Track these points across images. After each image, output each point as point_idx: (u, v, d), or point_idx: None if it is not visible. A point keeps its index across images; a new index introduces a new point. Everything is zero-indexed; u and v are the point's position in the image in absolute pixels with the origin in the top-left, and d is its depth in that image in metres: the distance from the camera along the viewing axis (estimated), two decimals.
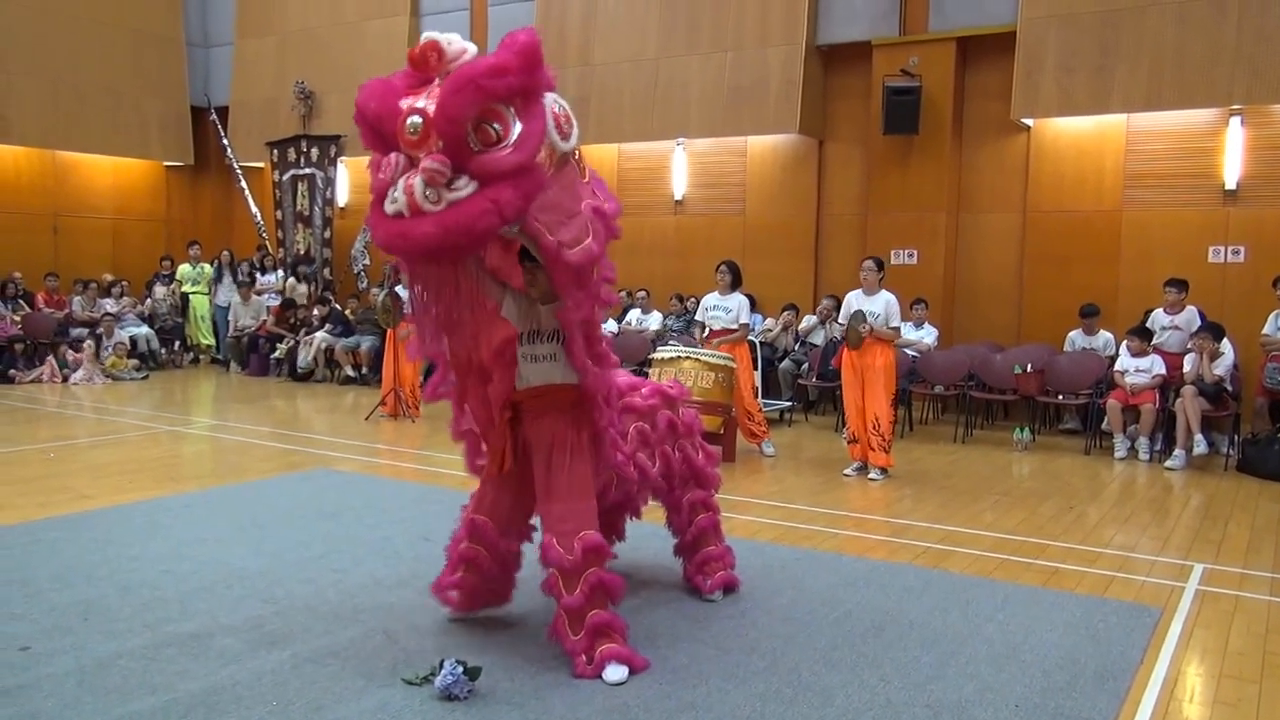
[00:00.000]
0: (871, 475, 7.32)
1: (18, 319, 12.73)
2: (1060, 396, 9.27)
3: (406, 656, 3.69)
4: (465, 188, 3.20)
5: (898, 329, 7.41)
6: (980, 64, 10.62)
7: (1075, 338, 9.58)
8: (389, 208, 3.30)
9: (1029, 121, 10.32)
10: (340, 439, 8.65)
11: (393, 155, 3.30)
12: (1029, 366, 9.07)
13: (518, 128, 3.27)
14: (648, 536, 5.11)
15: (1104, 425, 8.66)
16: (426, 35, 3.39)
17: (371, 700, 3.33)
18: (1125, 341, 8.70)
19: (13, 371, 12.11)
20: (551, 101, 3.37)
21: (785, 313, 10.99)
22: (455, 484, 7.03)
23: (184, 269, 14.73)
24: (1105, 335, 9.48)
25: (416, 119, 3.23)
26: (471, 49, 3.40)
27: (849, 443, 7.51)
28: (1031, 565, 5.18)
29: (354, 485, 6.83)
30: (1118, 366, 8.63)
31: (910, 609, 4.37)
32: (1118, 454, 8.37)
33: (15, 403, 10.57)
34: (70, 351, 12.49)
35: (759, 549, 5.33)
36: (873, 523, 6.10)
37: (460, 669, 3.37)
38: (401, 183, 3.25)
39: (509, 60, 3.21)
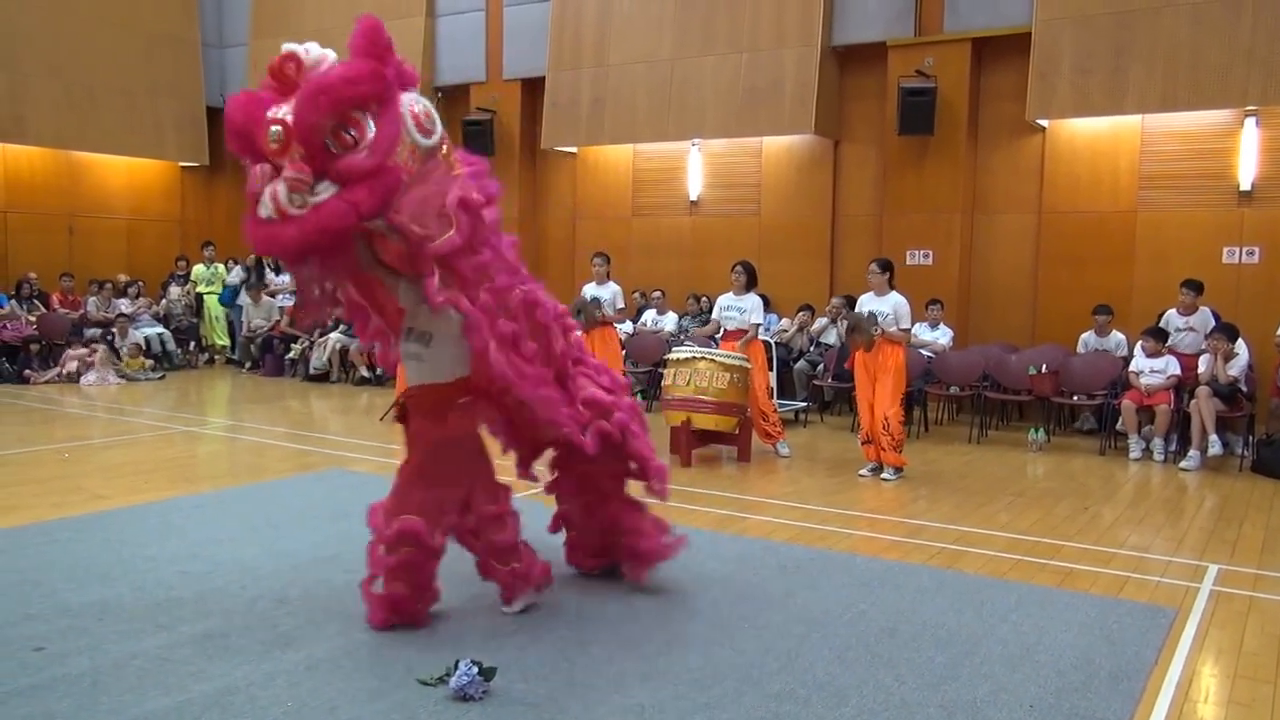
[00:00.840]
0: (885, 475, 7.30)
1: (33, 319, 12.81)
2: (1075, 397, 9.22)
3: (421, 657, 3.70)
4: (325, 192, 3.46)
5: (908, 330, 7.39)
6: (995, 65, 10.58)
7: (1087, 339, 9.53)
8: (261, 213, 3.54)
9: (1044, 122, 10.27)
10: (354, 439, 8.68)
11: (259, 167, 3.56)
12: (1044, 367, 9.03)
13: (371, 131, 3.50)
14: None
15: (1119, 426, 8.62)
16: (286, 46, 3.63)
17: (386, 701, 3.34)
18: (1140, 342, 8.65)
19: (28, 372, 12.19)
20: (411, 101, 3.61)
21: (800, 313, 10.97)
22: None
23: (198, 269, 14.80)
24: (1117, 336, 9.43)
25: (277, 129, 3.48)
26: (330, 57, 3.62)
27: (863, 443, 7.49)
28: (1046, 566, 5.16)
29: (368, 486, 6.82)
30: (1133, 367, 8.59)
31: (925, 609, 4.35)
32: (1132, 455, 8.33)
33: (31, 403, 10.64)
34: (69, 352, 12.46)
35: (774, 549, 5.32)
36: (887, 523, 6.09)
37: (475, 669, 3.38)
38: (268, 190, 3.50)
39: (359, 69, 3.48)
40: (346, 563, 4.86)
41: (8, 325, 12.50)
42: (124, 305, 13.84)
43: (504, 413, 4.32)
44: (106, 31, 14.80)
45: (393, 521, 3.94)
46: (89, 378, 12.11)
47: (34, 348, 12.56)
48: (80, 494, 6.38)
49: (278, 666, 3.60)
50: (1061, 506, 6.57)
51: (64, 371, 12.19)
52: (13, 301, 12.89)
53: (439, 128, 3.76)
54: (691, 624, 4.14)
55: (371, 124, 3.50)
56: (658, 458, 4.58)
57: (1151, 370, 8.42)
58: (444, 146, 3.78)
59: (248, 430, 9.15)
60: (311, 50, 3.64)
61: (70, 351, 12.34)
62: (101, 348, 12.52)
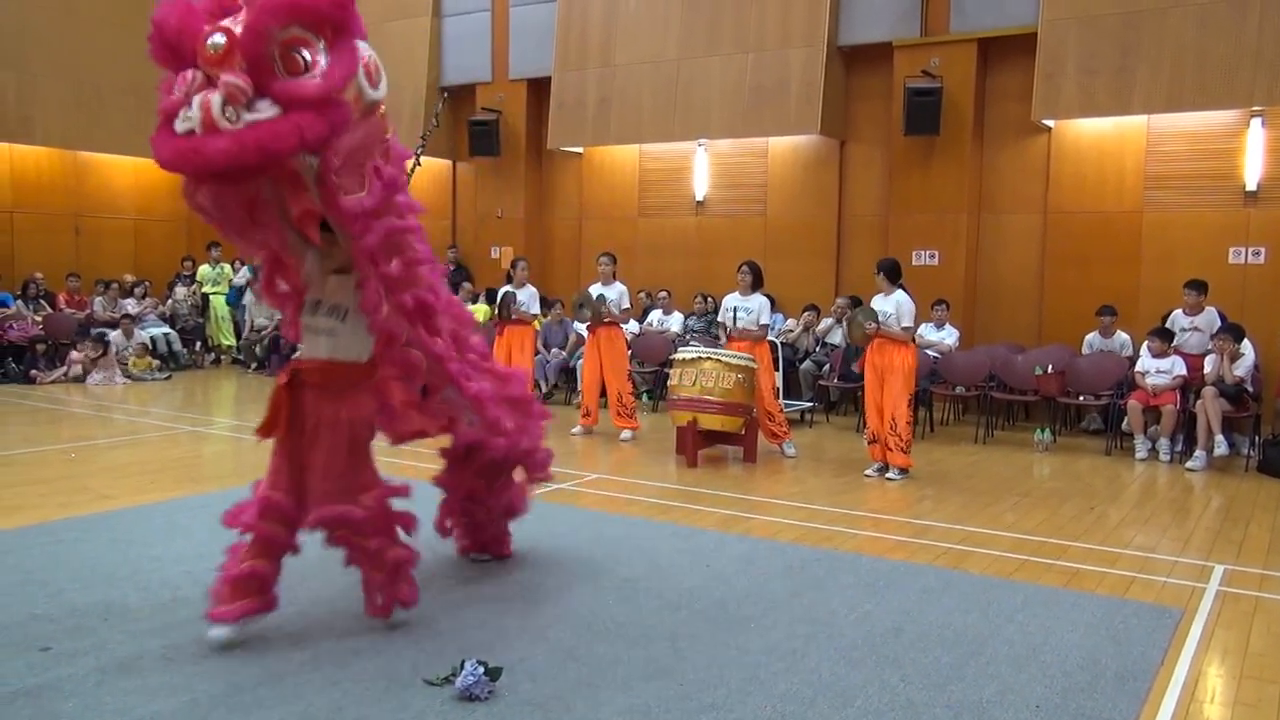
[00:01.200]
0: (890, 475, 7.30)
1: (39, 319, 12.84)
2: (1081, 397, 9.20)
3: (427, 657, 3.70)
4: (266, 110, 3.18)
5: (909, 329, 7.39)
6: (1001, 65, 10.57)
7: (1092, 339, 9.51)
8: (180, 126, 3.22)
9: (1050, 123, 10.26)
10: None
11: (189, 72, 3.24)
12: (1050, 367, 9.01)
13: (324, 60, 3.29)
14: (667, 537, 5.11)
15: (1125, 426, 8.60)
16: None
17: (393, 701, 3.34)
18: (1146, 342, 8.63)
19: (34, 372, 12.22)
20: (364, 49, 3.43)
21: (806, 313, 10.97)
22: None
23: (204, 270, 14.83)
24: (1122, 336, 9.41)
25: (219, 37, 3.18)
26: None
27: (869, 443, 7.49)
28: (1052, 566, 5.15)
29: None
30: (1138, 367, 8.57)
31: (930, 610, 4.35)
32: (1138, 455, 8.31)
33: (37, 403, 10.67)
34: (73, 353, 12.48)
35: (780, 549, 5.32)
36: (893, 524, 6.08)
37: (481, 669, 3.38)
38: (197, 99, 3.17)
39: None
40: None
41: (14, 325, 12.53)
42: (130, 305, 13.87)
43: (404, 398, 4.05)
44: (113, 32, 14.83)
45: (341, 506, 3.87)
46: (95, 377, 12.14)
47: (40, 348, 12.59)
48: (86, 494, 6.40)
49: (284, 666, 3.61)
50: (1067, 507, 6.56)
51: (69, 372, 12.22)
52: (19, 301, 12.93)
53: (384, 84, 3.62)
54: (697, 624, 4.13)
55: (325, 54, 3.31)
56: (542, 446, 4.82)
57: (1157, 370, 8.40)
58: (382, 108, 3.67)
59: (253, 430, 9.15)
60: None
61: (75, 353, 12.36)
62: (113, 347, 12.54)
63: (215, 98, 3.14)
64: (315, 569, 4.76)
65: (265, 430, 3.96)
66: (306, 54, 3.26)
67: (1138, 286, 9.94)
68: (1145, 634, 4.12)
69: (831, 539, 5.62)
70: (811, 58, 11.03)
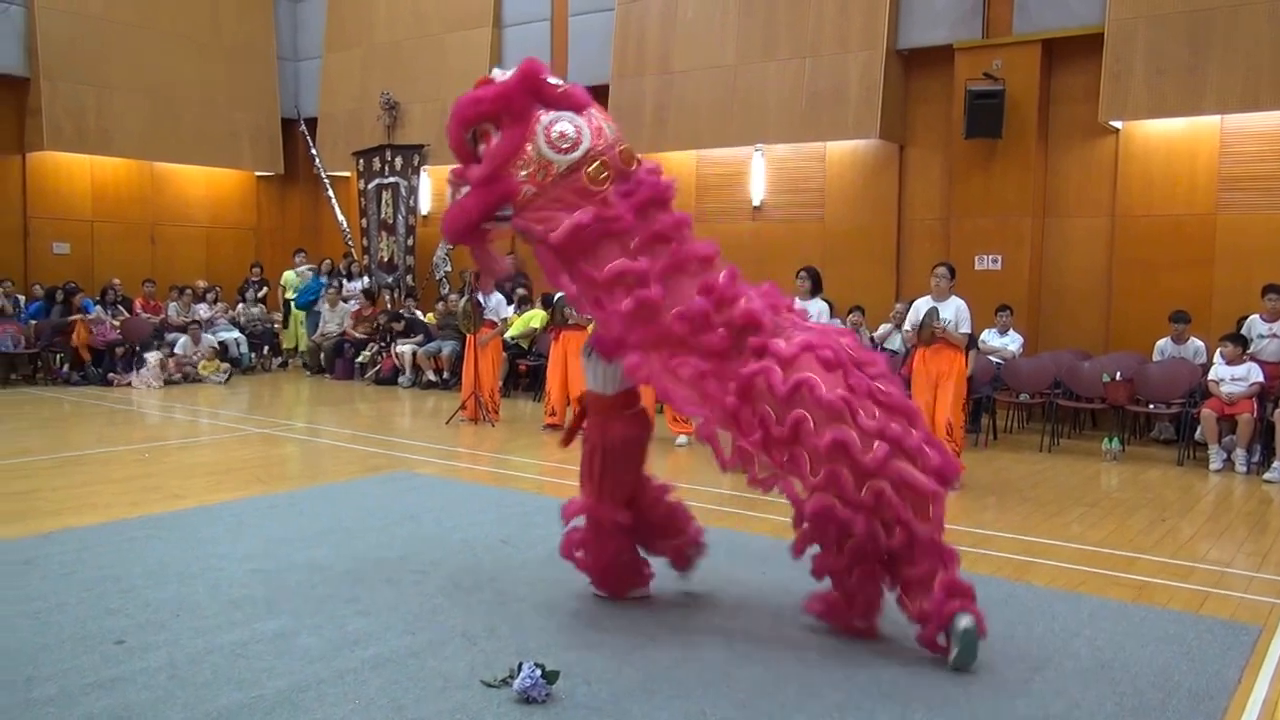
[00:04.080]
0: None
1: (117, 324, 13.27)
2: (1152, 405, 8.97)
3: (485, 658, 3.73)
4: (463, 190, 4.20)
5: (967, 334, 7.29)
6: (1066, 66, 10.36)
7: (1164, 346, 9.25)
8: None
9: (1117, 124, 10.03)
10: (421, 443, 8.81)
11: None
12: (1118, 374, 8.80)
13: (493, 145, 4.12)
14: (722, 543, 5.09)
15: (1198, 435, 8.36)
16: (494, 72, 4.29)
17: (450, 701, 3.38)
18: (1220, 349, 8.39)
19: (111, 375, 12.61)
20: (550, 120, 4.08)
21: (852, 314, 10.82)
22: (532, 487, 7.11)
23: (288, 275, 15.14)
24: (1196, 343, 9.13)
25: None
26: (500, 79, 4.21)
27: None
28: (1120, 579, 5.02)
29: (434, 488, 6.94)
30: (1212, 375, 8.32)
31: (994, 621, 4.24)
32: (1213, 465, 8.07)
33: (114, 405, 11.01)
34: (146, 355, 12.86)
35: None
36: (952, 533, 5.94)
37: (539, 672, 3.40)
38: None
39: (488, 90, 4.12)
40: (414, 563, 4.93)
41: (94, 329, 12.96)
42: (202, 310, 14.25)
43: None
44: (188, 48, 15.34)
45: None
46: (141, 375, 12.46)
47: (118, 351, 13.00)
48: (158, 493, 6.58)
49: (346, 665, 3.67)
50: (1137, 518, 6.39)
51: (142, 374, 12.61)
52: (99, 307, 13.37)
53: (582, 149, 4.07)
54: (755, 631, 4.11)
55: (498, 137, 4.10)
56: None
57: (1232, 378, 8.15)
58: (592, 166, 4.06)
59: (318, 433, 9.35)
60: (496, 75, 4.23)
61: (148, 355, 12.74)
62: (162, 352, 12.86)
63: (448, 186, 4.37)
64: (374, 570, 4.84)
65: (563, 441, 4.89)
66: (483, 144, 4.15)
67: (1210, 291, 9.65)
68: (1220, 651, 3.99)
69: None
70: (870, 61, 10.92)
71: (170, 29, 15.16)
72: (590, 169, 4.08)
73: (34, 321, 12.98)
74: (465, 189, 4.14)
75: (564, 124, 4.09)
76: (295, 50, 17.11)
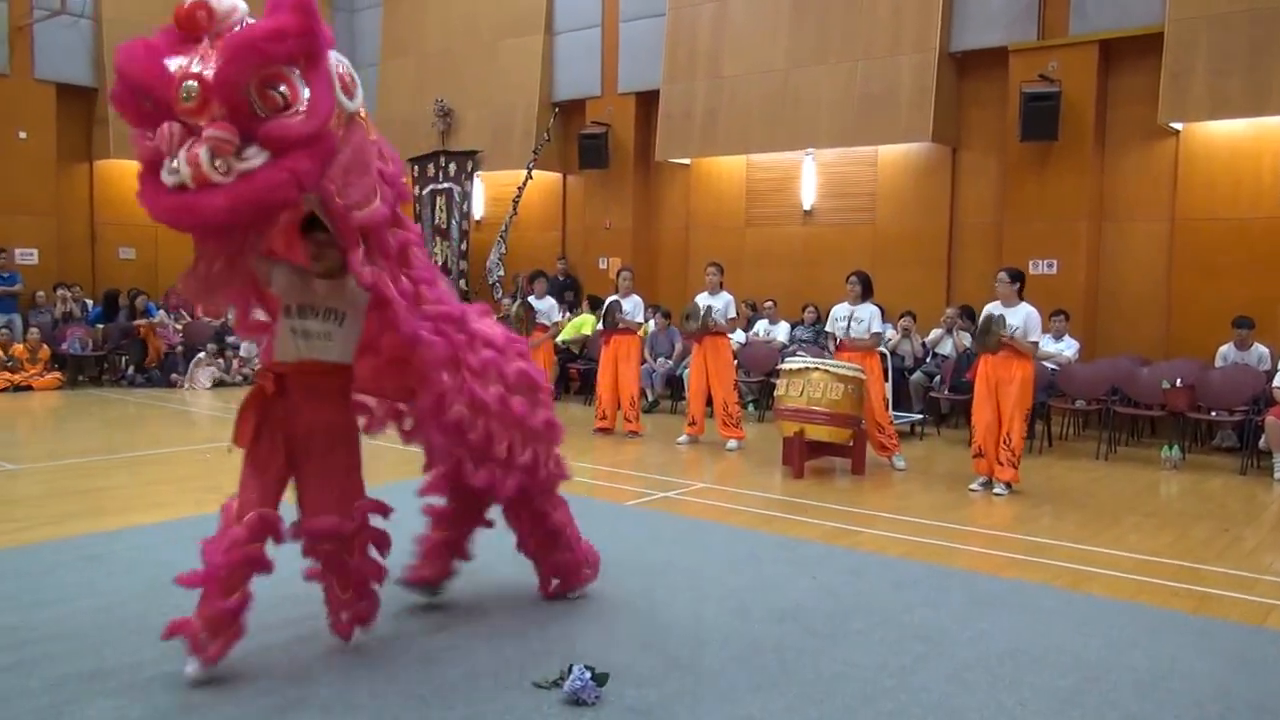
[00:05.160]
0: (996, 490, 7.09)
1: (179, 327, 13.61)
2: (1213, 413, 8.77)
3: (536, 660, 3.77)
4: (255, 157, 3.03)
5: (1036, 343, 7.17)
6: (1124, 67, 10.19)
7: (1226, 352, 9.04)
8: (168, 180, 3.07)
9: (1177, 125, 9.83)
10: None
11: (167, 126, 3.05)
12: (1178, 381, 8.61)
13: (305, 92, 3.13)
14: (772, 548, 5.08)
15: (1262, 444, 8.14)
16: None
17: (501, 701, 3.42)
18: None
19: (174, 376, 12.93)
20: (335, 61, 3.25)
21: (903, 319, 10.73)
22: (583, 491, 7.14)
23: None
24: (1260, 349, 8.90)
25: (192, 84, 2.99)
26: (243, 7, 3.20)
27: (975, 456, 7.29)
28: (1180, 590, 4.92)
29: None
30: (1277, 382, 8.11)
31: (1048, 631, 4.21)
32: (1277, 474, 7.86)
33: (175, 406, 11.29)
34: (199, 356, 13.17)
35: (888, 564, 5.23)
36: (1007, 540, 5.90)
37: (588, 674, 3.43)
38: (183, 153, 3.01)
39: (287, 22, 3.02)
40: (463, 564, 4.99)
41: (158, 332, 13.30)
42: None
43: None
44: None
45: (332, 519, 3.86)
46: (195, 376, 12.82)
47: (180, 352, 13.34)
48: (218, 493, 6.66)
49: (398, 665, 3.73)
50: (1198, 528, 6.25)
51: (196, 376, 12.94)
52: (161, 311, 13.71)
53: (360, 89, 3.44)
54: (804, 637, 4.10)
55: (303, 84, 3.13)
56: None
57: None
58: (362, 110, 3.47)
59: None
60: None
61: (203, 356, 13.06)
62: (204, 354, 13.19)
63: (202, 152, 2.99)
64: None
65: (242, 439, 3.80)
66: (284, 89, 3.11)
67: (1276, 296, 9.41)
68: None
69: (941, 554, 5.50)
70: (923, 64, 10.83)
71: None
72: (363, 114, 3.47)
73: (101, 325, 13.38)
74: (254, 155, 3.03)
75: (344, 61, 3.34)
76: (353, 59, 17.20)
